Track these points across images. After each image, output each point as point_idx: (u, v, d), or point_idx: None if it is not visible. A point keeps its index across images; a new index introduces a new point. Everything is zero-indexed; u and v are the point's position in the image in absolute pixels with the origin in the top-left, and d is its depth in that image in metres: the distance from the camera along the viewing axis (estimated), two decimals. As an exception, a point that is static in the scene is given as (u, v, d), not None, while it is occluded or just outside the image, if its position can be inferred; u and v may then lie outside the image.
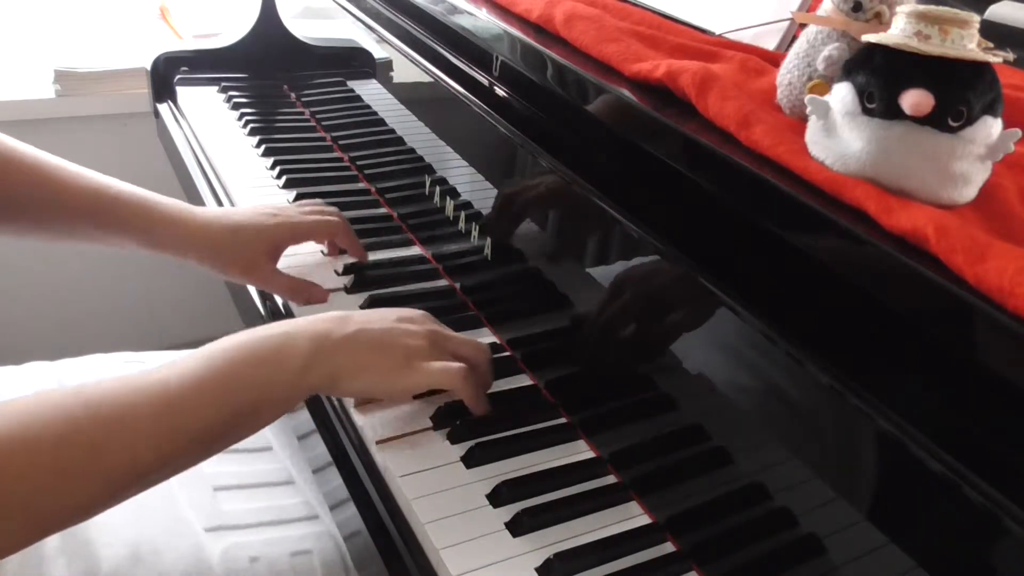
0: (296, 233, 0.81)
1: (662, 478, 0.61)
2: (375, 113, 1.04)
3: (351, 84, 1.12)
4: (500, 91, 0.76)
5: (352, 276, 0.83)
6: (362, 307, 0.80)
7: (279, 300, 0.83)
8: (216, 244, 0.78)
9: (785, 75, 0.56)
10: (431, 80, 0.86)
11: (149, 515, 0.67)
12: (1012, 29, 0.77)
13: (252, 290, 0.87)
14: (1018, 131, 0.46)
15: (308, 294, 0.79)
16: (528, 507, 0.59)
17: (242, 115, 1.16)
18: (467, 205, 0.81)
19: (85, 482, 0.49)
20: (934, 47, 0.45)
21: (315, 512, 0.74)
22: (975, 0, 0.79)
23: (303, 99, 1.22)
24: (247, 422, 0.57)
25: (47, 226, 0.76)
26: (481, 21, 0.78)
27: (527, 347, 0.75)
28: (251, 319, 0.89)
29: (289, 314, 0.81)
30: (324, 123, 1.16)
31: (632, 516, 0.61)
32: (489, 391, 0.68)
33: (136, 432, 0.51)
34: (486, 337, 0.77)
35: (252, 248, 0.78)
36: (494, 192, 0.77)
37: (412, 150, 0.93)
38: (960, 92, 0.45)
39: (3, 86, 1.48)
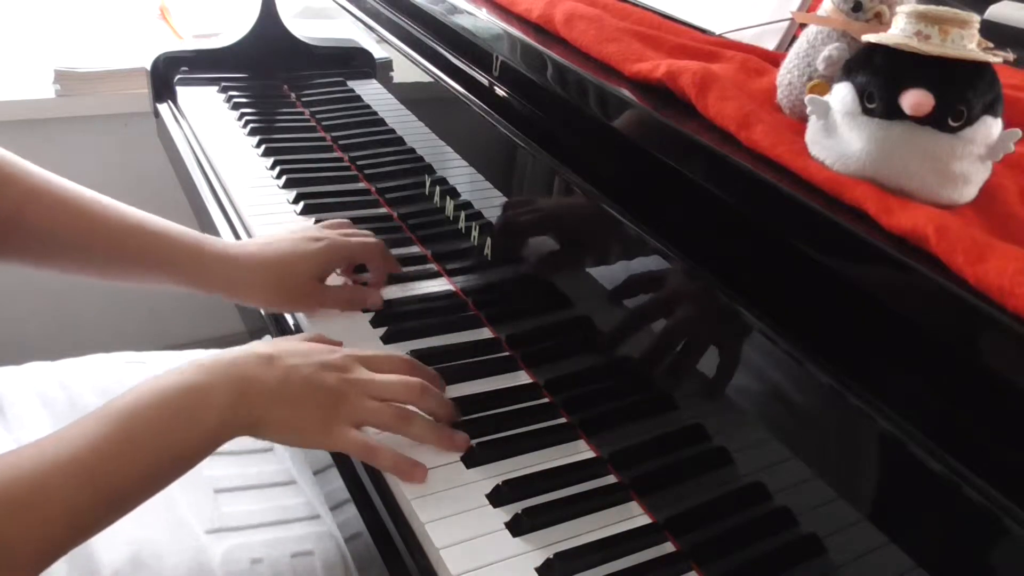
0: (344, 255, 0.79)
1: (662, 478, 0.61)
2: (375, 113, 1.04)
3: (351, 84, 1.12)
4: (500, 91, 0.76)
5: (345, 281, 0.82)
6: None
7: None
8: (266, 282, 0.75)
9: (785, 75, 0.56)
10: (431, 80, 0.86)
11: (150, 518, 0.67)
12: (1012, 29, 0.77)
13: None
14: (1018, 131, 0.46)
15: (364, 301, 0.78)
16: (528, 507, 0.59)
17: (242, 115, 1.16)
18: (467, 205, 0.81)
19: (3, 567, 0.48)
20: (934, 47, 0.45)
21: (316, 512, 0.74)
22: (975, 0, 0.79)
23: (303, 99, 1.22)
24: (167, 475, 0.55)
25: (86, 262, 0.74)
26: (481, 21, 0.78)
27: (527, 346, 0.75)
28: (251, 319, 0.89)
29: (293, 315, 0.81)
30: (324, 123, 1.16)
31: (632, 516, 0.61)
32: (487, 391, 0.68)
33: (49, 511, 0.50)
34: (486, 336, 0.77)
35: (304, 277, 0.76)
36: (494, 192, 0.77)
37: (412, 150, 0.93)
38: (960, 92, 0.45)
39: (3, 86, 1.48)
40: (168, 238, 0.74)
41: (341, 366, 0.61)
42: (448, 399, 0.66)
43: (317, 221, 0.91)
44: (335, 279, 0.83)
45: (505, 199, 0.76)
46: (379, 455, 0.60)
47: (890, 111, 0.46)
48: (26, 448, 0.51)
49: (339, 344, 0.68)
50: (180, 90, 1.22)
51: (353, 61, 1.11)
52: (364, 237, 0.82)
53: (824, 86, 0.52)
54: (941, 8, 0.46)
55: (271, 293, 0.76)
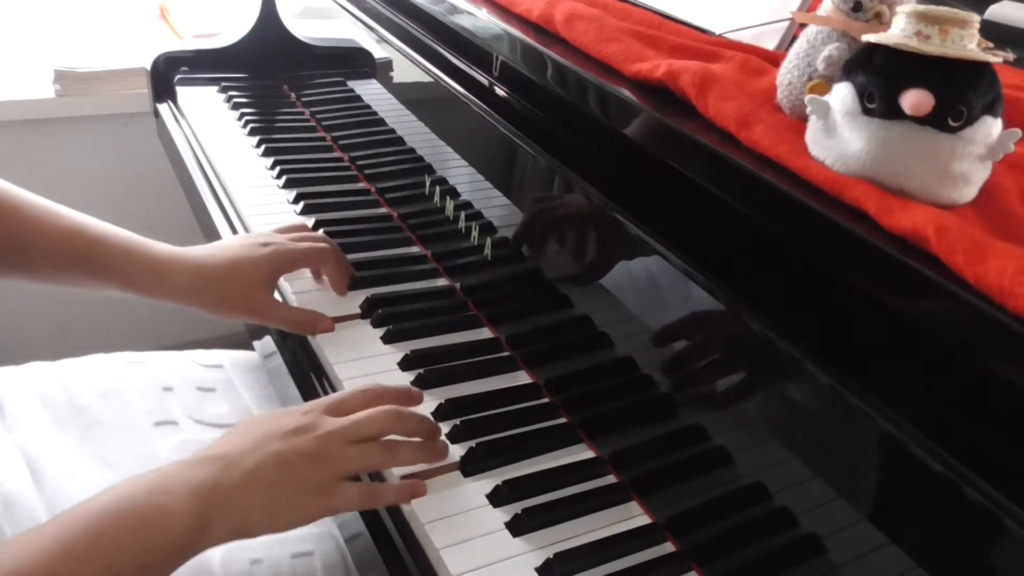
0: (291, 260, 0.77)
1: (662, 478, 0.61)
2: (375, 113, 1.04)
3: (351, 84, 1.12)
4: (500, 91, 0.76)
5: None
6: (361, 306, 0.80)
7: (277, 296, 0.83)
8: (206, 288, 0.73)
9: (785, 75, 0.56)
10: (431, 80, 0.86)
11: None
12: (1012, 29, 0.77)
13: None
14: (1018, 131, 0.46)
15: (314, 325, 0.76)
16: (528, 507, 0.59)
17: (242, 115, 1.16)
18: (467, 205, 0.81)
19: None
20: (934, 47, 0.45)
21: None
22: (975, 0, 0.79)
23: (303, 99, 1.22)
24: None
25: (22, 268, 0.72)
26: (481, 21, 0.78)
27: (527, 346, 0.75)
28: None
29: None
30: (324, 123, 1.16)
31: (632, 516, 0.61)
32: (487, 390, 0.68)
33: None
34: (486, 336, 0.77)
35: (249, 283, 0.74)
36: (494, 192, 0.77)
37: (412, 150, 0.93)
38: (960, 92, 0.45)
39: (3, 86, 1.48)
40: (105, 244, 0.72)
41: (306, 426, 0.57)
42: (420, 414, 0.63)
43: (317, 221, 0.92)
44: (305, 283, 0.82)
45: (505, 199, 0.76)
46: (383, 494, 0.59)
47: (890, 111, 0.46)
48: None
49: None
50: (180, 90, 1.22)
51: (353, 61, 1.11)
52: (316, 242, 0.80)
53: (824, 86, 0.52)
54: (941, 8, 0.46)
55: (211, 300, 0.74)
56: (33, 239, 0.71)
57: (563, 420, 0.68)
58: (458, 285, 0.84)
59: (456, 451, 0.64)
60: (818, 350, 0.47)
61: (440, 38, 0.86)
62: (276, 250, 0.76)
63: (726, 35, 0.70)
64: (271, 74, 1.26)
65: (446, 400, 0.68)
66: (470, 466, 0.63)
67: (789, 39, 0.67)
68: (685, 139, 0.55)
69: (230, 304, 0.75)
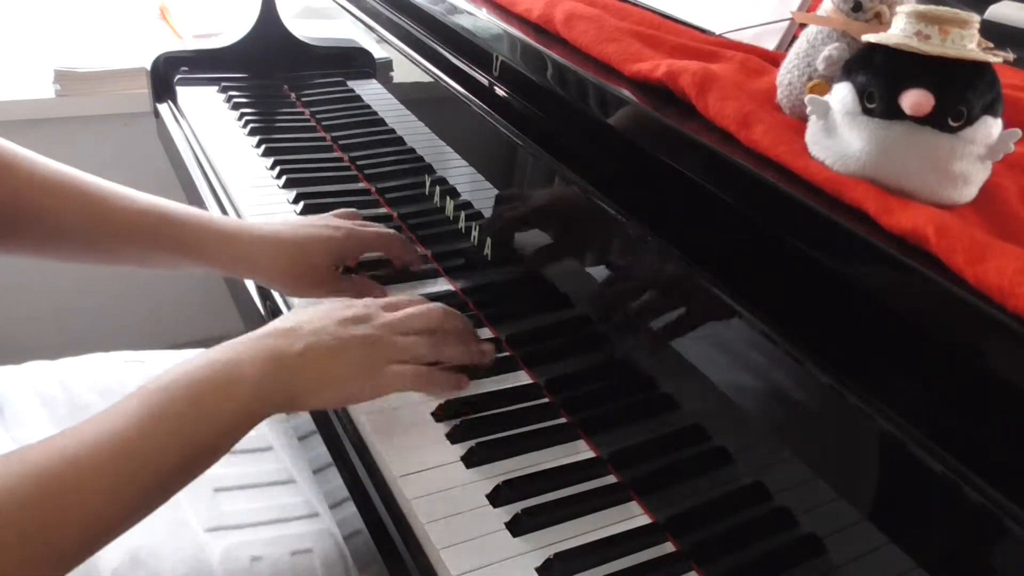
0: (363, 244, 0.80)
1: (662, 478, 0.61)
2: (375, 113, 1.04)
3: (351, 84, 1.12)
4: (500, 91, 0.76)
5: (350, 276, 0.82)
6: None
7: (278, 298, 0.83)
8: (283, 261, 0.75)
9: (785, 75, 0.56)
10: (431, 80, 0.86)
11: (149, 517, 0.67)
12: (1012, 29, 0.77)
13: (252, 289, 0.87)
14: (1018, 131, 0.46)
15: (373, 294, 0.77)
16: (528, 507, 0.59)
17: (242, 115, 1.16)
18: (467, 205, 0.81)
19: (49, 548, 0.48)
20: (934, 47, 0.45)
21: (315, 511, 0.74)
22: (975, 0, 0.79)
23: (303, 99, 1.22)
24: (205, 456, 0.56)
25: (93, 249, 0.74)
26: (481, 21, 0.78)
27: (527, 346, 0.75)
28: (251, 318, 0.89)
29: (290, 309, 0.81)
30: (324, 123, 1.16)
31: (632, 516, 0.61)
32: (487, 390, 0.68)
33: (86, 491, 0.49)
34: (486, 336, 0.77)
35: (318, 262, 0.76)
36: (494, 192, 0.77)
37: (412, 150, 0.93)
38: (960, 92, 0.45)
39: (3, 86, 1.48)
40: (177, 218, 0.74)
41: (364, 316, 0.63)
42: (464, 317, 0.69)
43: (312, 215, 0.91)
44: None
45: (504, 199, 0.76)
46: (434, 378, 0.63)
47: (890, 111, 0.46)
48: (64, 433, 0.51)
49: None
50: (180, 90, 1.22)
51: (353, 61, 1.11)
52: (383, 229, 0.83)
53: (824, 86, 0.52)
54: (941, 8, 0.46)
55: (284, 274, 0.76)
56: (102, 219, 0.72)
57: (563, 420, 0.68)
58: (458, 285, 0.84)
59: (456, 451, 0.64)
60: (818, 350, 0.47)
61: (440, 38, 0.86)
62: (349, 232, 0.79)
63: (726, 35, 0.70)
64: (271, 74, 1.26)
65: (446, 400, 0.68)
66: (470, 463, 0.63)
67: (789, 39, 0.67)
68: (685, 139, 0.55)
69: (300, 279, 0.77)
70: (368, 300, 0.66)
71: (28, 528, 0.47)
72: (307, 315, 0.62)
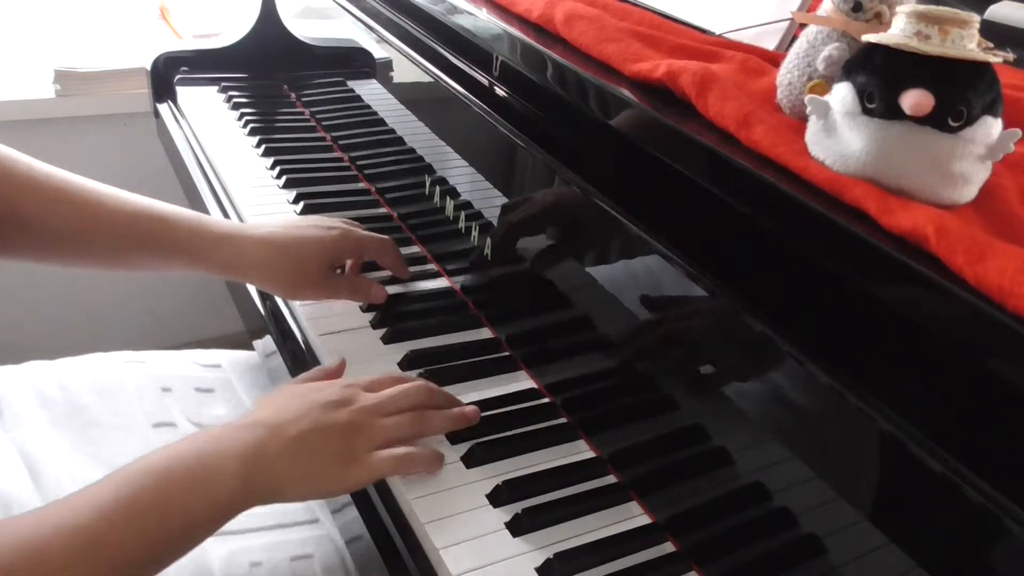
0: (357, 245, 0.79)
1: (662, 478, 0.61)
2: (375, 113, 1.04)
3: (351, 84, 1.12)
4: (500, 91, 0.76)
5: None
6: (361, 307, 0.80)
7: (279, 301, 0.83)
8: (276, 263, 0.75)
9: (785, 75, 0.56)
10: (431, 80, 0.86)
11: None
12: (1012, 29, 0.77)
13: (252, 290, 0.87)
14: (1018, 131, 0.46)
15: (369, 293, 0.78)
16: (528, 507, 0.59)
17: (242, 115, 1.16)
18: (467, 205, 0.81)
19: None
20: (934, 47, 0.45)
21: (315, 516, 0.73)
22: (975, 0, 0.79)
23: (303, 99, 1.22)
24: (176, 547, 0.54)
25: (88, 253, 0.73)
26: (481, 21, 0.78)
27: (527, 346, 0.75)
28: (251, 319, 0.89)
29: (292, 313, 0.82)
30: (324, 123, 1.16)
31: (632, 516, 0.61)
32: (487, 390, 0.68)
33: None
34: (486, 336, 0.77)
35: (314, 263, 0.76)
36: (494, 192, 0.77)
37: (412, 150, 0.93)
38: (960, 92, 0.45)
39: (3, 86, 1.48)
40: (172, 222, 0.73)
41: (345, 399, 0.61)
42: (447, 392, 0.67)
43: (308, 215, 0.91)
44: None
45: (505, 199, 0.76)
46: (415, 459, 0.61)
47: (890, 111, 0.46)
48: (27, 516, 0.50)
49: (336, 368, 0.69)
50: (180, 90, 1.22)
51: (353, 61, 1.11)
52: (375, 234, 0.82)
53: (824, 86, 0.52)
54: (941, 8, 0.46)
55: (278, 276, 0.76)
56: (97, 224, 0.72)
57: (563, 420, 0.68)
58: (458, 285, 0.84)
59: (455, 451, 0.64)
60: (818, 350, 0.47)
61: (440, 38, 0.86)
62: (343, 233, 0.78)
63: (726, 35, 0.70)
64: (271, 74, 1.26)
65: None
66: (470, 463, 0.63)
67: (789, 39, 0.67)
68: (685, 139, 0.55)
69: (296, 282, 0.76)
70: (348, 381, 0.64)
71: None
72: (287, 402, 0.60)
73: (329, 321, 0.78)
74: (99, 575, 0.50)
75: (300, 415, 0.58)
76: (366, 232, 0.81)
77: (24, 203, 0.69)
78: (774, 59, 0.63)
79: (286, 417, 0.58)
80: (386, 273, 0.84)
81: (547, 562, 0.56)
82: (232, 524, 0.70)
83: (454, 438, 0.65)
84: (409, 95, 0.95)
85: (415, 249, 0.90)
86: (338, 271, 0.80)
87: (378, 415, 0.60)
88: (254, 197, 0.98)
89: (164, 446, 0.56)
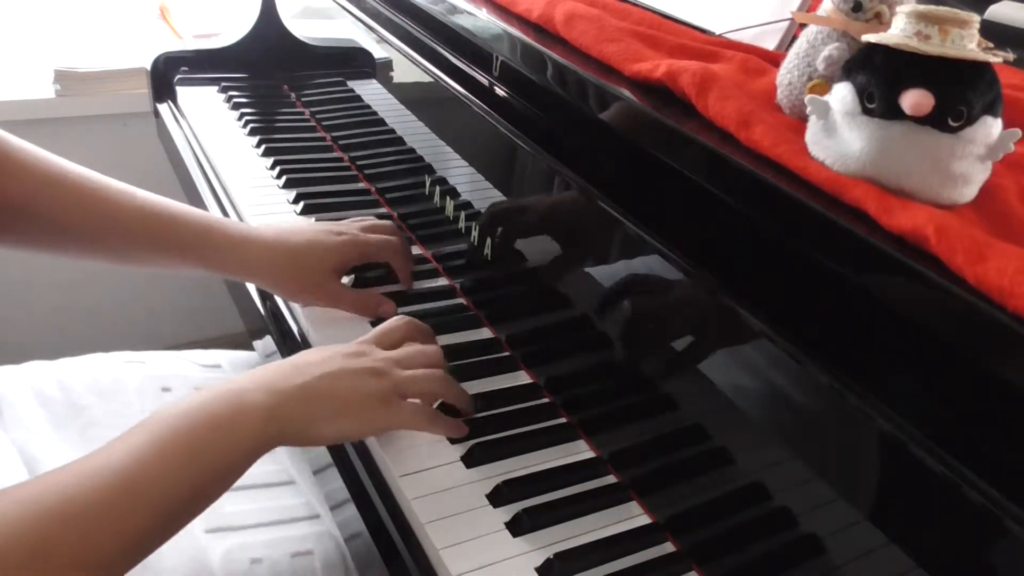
0: (363, 252, 0.79)
1: (662, 478, 0.61)
2: (375, 113, 1.04)
3: (351, 84, 1.12)
4: (500, 91, 0.76)
5: (352, 276, 0.82)
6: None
7: (279, 301, 0.83)
8: (282, 266, 0.75)
9: (785, 75, 0.56)
10: (431, 80, 0.86)
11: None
12: (1012, 29, 0.77)
13: (252, 290, 0.87)
14: (1018, 131, 0.46)
15: (376, 308, 0.78)
16: (528, 507, 0.59)
17: (242, 115, 1.16)
18: (467, 205, 0.81)
19: None
20: (934, 47, 0.45)
21: (316, 512, 0.74)
22: (975, 0, 0.79)
23: (303, 99, 1.22)
24: (212, 487, 0.54)
25: (99, 249, 0.74)
26: (481, 21, 0.78)
27: (527, 346, 0.75)
28: (251, 319, 0.89)
29: (292, 313, 0.82)
30: (324, 123, 1.16)
31: (632, 516, 0.61)
32: (487, 391, 0.68)
33: (87, 524, 0.48)
34: (486, 336, 0.77)
35: (320, 268, 0.76)
36: (494, 192, 0.77)
37: (412, 150, 0.93)
38: (960, 92, 0.45)
39: (3, 86, 1.48)
40: (183, 223, 0.74)
41: (367, 352, 0.62)
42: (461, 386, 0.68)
43: (317, 221, 0.91)
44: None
45: (504, 199, 0.76)
46: (439, 419, 0.63)
47: (890, 111, 0.46)
48: (68, 467, 0.51)
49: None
50: (180, 90, 1.22)
51: (353, 61, 1.11)
52: (387, 236, 0.81)
53: (824, 86, 0.52)
54: (941, 8, 0.46)
55: (285, 278, 0.76)
56: (110, 221, 0.73)
57: (563, 420, 0.68)
58: (458, 285, 0.84)
59: (455, 451, 0.64)
60: (818, 350, 0.47)
61: (440, 38, 0.86)
62: (350, 240, 0.78)
63: (726, 35, 0.70)
64: (271, 74, 1.26)
65: (445, 400, 0.67)
66: (470, 463, 0.63)
67: (789, 39, 0.67)
68: (685, 139, 0.55)
69: (300, 285, 0.77)
70: (360, 340, 0.65)
71: (30, 570, 0.46)
72: (311, 353, 0.62)
73: (329, 323, 0.78)
74: (145, 520, 0.50)
75: (325, 360, 0.60)
76: (375, 237, 0.80)
77: (41, 197, 0.70)
78: (774, 59, 0.63)
79: (312, 360, 0.60)
80: (394, 287, 0.83)
81: (547, 562, 0.56)
82: (232, 520, 0.70)
83: (454, 438, 0.65)
84: (409, 95, 0.95)
85: (415, 249, 0.90)
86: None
87: (400, 367, 0.62)
88: (254, 197, 0.98)
89: (180, 399, 0.56)
